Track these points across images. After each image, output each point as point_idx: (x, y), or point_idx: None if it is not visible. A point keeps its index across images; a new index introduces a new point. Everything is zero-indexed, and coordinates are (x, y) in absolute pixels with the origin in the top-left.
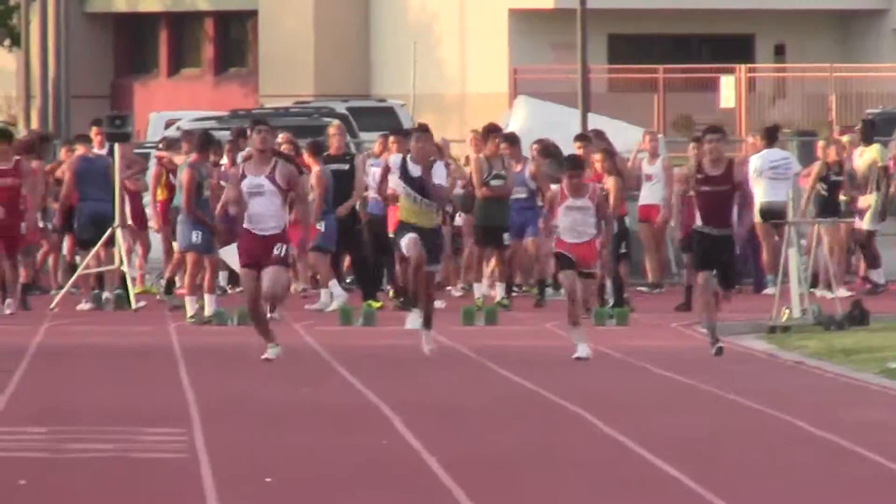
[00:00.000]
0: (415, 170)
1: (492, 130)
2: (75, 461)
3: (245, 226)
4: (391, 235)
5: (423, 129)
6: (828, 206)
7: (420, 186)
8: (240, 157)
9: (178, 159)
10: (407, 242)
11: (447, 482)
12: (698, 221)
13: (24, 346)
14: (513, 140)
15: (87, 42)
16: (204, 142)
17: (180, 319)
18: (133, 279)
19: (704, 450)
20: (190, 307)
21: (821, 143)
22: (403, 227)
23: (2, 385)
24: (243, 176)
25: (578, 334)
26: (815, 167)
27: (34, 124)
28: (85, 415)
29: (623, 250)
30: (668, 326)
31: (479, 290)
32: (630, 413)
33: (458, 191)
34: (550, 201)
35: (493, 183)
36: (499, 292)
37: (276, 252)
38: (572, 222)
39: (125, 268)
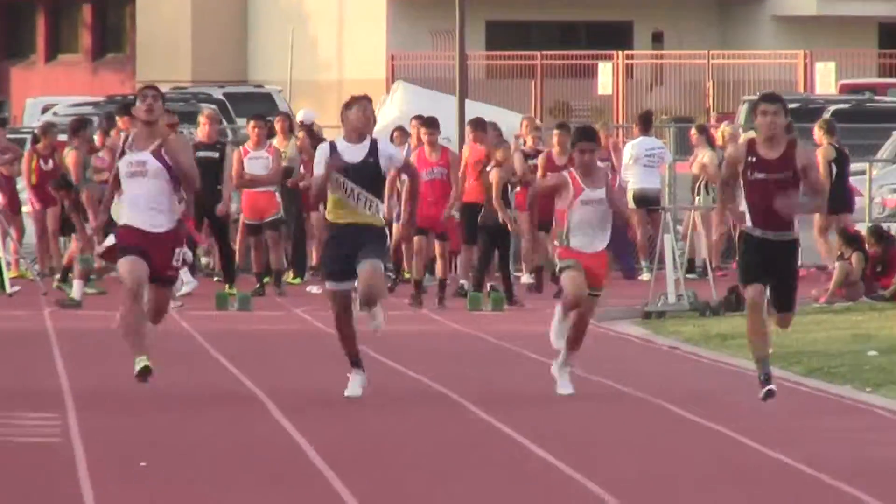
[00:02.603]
0: (351, 153)
1: None
2: None
3: (123, 221)
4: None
5: (367, 98)
6: None
7: (361, 175)
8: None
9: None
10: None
11: (321, 466)
12: (747, 223)
13: None
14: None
15: None
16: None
17: (54, 304)
18: (8, 263)
19: (581, 435)
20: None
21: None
22: (333, 232)
23: None
24: (122, 153)
25: (562, 331)
26: None
27: None
28: None
29: None
30: (543, 311)
31: None
32: (505, 399)
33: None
34: (551, 189)
35: None
36: None
37: (174, 262)
38: (587, 221)
39: (0, 252)
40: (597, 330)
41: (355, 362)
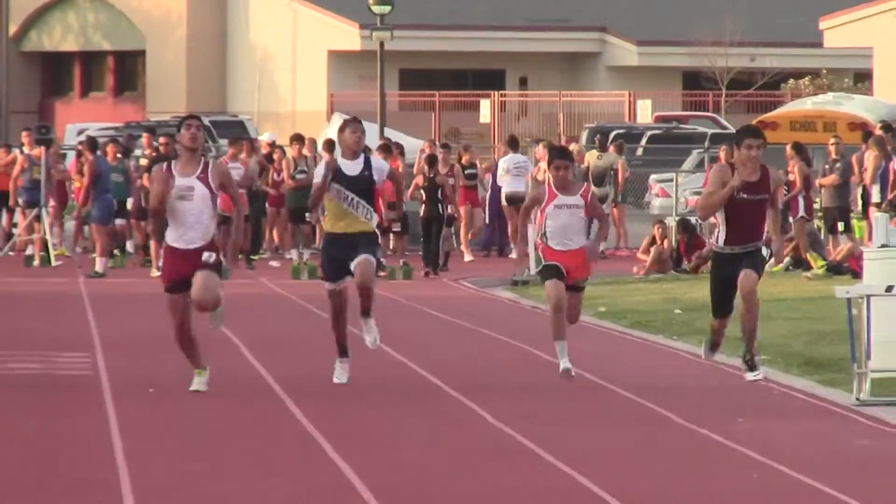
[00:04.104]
0: (349, 167)
1: (297, 139)
2: (12, 376)
3: (168, 242)
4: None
5: (357, 120)
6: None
7: (359, 186)
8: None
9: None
10: (332, 288)
11: (279, 393)
12: (719, 242)
13: None
14: (331, 146)
15: (21, 72)
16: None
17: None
18: (54, 245)
19: (467, 371)
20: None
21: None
22: (330, 240)
23: None
24: (169, 177)
25: (562, 348)
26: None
27: None
28: (18, 342)
29: (398, 229)
30: (440, 281)
31: (294, 254)
32: (412, 344)
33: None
34: (534, 201)
35: (298, 176)
36: (296, 256)
37: (204, 258)
38: (562, 225)
39: (48, 236)
40: (478, 294)
41: (343, 352)
